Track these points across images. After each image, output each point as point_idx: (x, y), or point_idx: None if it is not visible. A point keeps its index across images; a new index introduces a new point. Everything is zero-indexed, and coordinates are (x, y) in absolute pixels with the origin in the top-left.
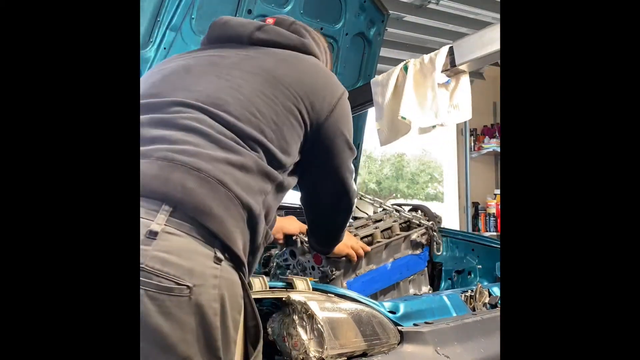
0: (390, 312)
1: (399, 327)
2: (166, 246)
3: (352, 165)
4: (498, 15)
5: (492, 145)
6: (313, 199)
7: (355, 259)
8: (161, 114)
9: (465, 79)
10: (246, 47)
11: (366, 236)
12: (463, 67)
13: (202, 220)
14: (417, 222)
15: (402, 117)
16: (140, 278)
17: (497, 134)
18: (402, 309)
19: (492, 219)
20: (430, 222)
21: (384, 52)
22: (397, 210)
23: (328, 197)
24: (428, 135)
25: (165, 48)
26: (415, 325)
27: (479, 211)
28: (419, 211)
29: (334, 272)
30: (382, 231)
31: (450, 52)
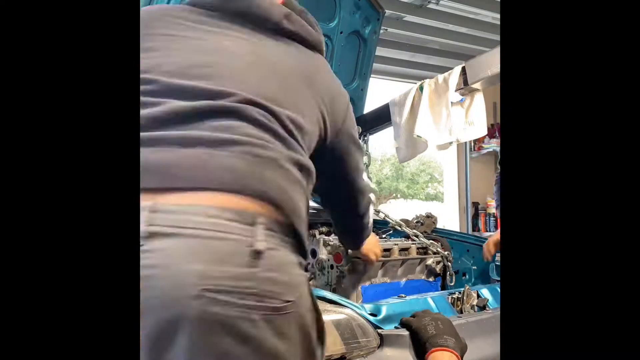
0: (371, 314)
1: (379, 330)
2: (270, 265)
3: (362, 165)
4: (498, 15)
5: (492, 145)
6: (332, 204)
7: (374, 264)
8: (223, 101)
9: (479, 97)
10: (274, 35)
11: (385, 250)
12: (476, 86)
13: (296, 224)
14: (434, 250)
15: (418, 136)
16: (253, 302)
17: (497, 134)
18: (384, 311)
19: (492, 219)
20: (447, 252)
21: (384, 52)
22: (416, 236)
23: (346, 200)
24: None
25: None
26: (396, 328)
27: (479, 211)
28: (437, 242)
29: (352, 272)
30: (400, 250)
31: (463, 71)
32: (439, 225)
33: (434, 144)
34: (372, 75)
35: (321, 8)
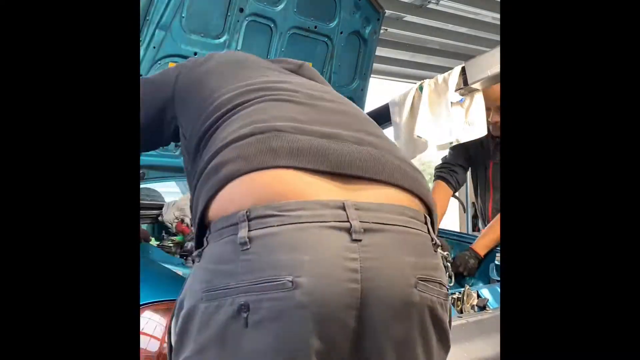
0: None
1: None
2: (440, 256)
3: None
4: (498, 15)
5: None
6: None
7: None
8: None
9: (479, 97)
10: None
11: None
12: (475, 86)
13: (435, 219)
14: None
15: (418, 136)
16: (439, 289)
17: None
18: None
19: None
20: (446, 253)
21: (385, 52)
22: None
23: None
24: None
25: (154, 47)
26: None
27: None
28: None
29: None
30: None
31: (463, 71)
32: (439, 226)
33: (434, 144)
34: (372, 75)
35: (321, 9)
